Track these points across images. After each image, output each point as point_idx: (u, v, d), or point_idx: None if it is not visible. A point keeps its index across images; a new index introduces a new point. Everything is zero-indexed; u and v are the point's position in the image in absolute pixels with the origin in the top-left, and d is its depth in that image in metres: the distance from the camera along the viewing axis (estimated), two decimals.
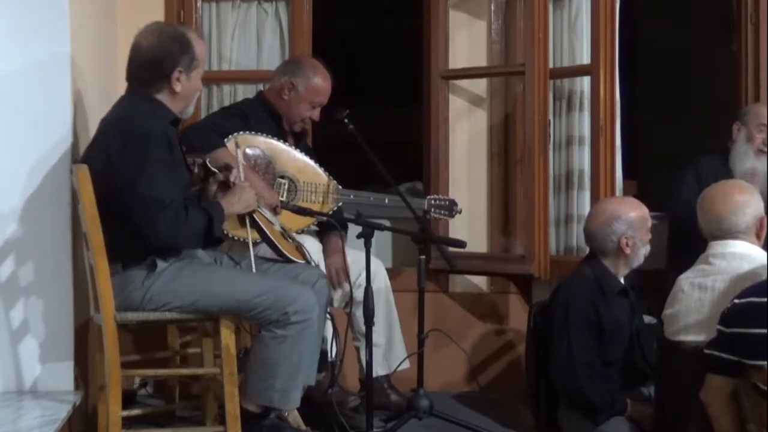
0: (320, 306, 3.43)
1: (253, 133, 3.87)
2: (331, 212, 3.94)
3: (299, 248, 3.67)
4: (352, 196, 4.04)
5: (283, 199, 3.89)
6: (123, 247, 3.27)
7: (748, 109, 4.35)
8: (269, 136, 3.92)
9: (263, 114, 4.04)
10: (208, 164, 3.44)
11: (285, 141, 4.00)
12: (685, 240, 3.95)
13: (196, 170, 3.46)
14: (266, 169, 3.86)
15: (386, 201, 4.08)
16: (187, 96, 3.41)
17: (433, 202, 4.17)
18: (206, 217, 3.30)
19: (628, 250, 3.69)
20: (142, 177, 3.19)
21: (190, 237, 3.29)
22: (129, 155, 3.21)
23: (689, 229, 3.71)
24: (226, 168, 3.48)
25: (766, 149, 4.23)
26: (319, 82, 4.05)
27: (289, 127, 4.09)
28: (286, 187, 3.94)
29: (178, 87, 3.34)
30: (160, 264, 3.29)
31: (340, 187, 4.01)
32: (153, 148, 3.21)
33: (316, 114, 4.07)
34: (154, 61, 3.31)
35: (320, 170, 4.01)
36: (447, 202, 4.18)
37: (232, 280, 3.38)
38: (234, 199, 3.44)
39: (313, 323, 3.37)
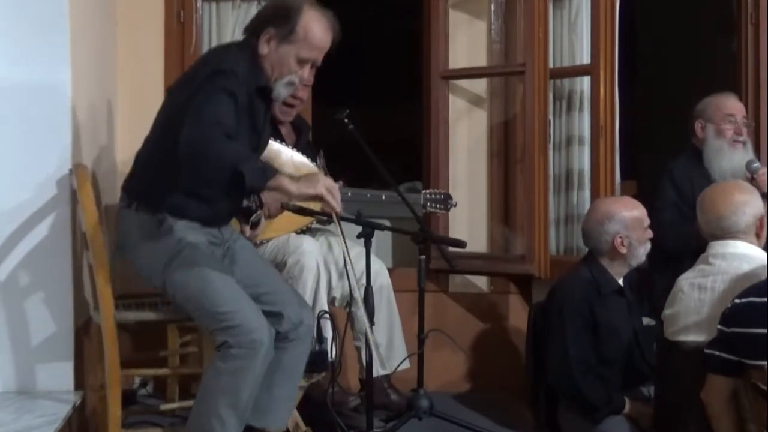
0: (306, 326, 3.30)
1: None
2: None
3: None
4: (349, 194, 4.03)
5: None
6: (152, 187, 3.11)
7: (705, 104, 4.27)
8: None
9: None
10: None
11: (281, 139, 3.97)
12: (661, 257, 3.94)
13: None
14: None
15: (383, 197, 4.08)
16: (273, 64, 3.16)
17: (428, 196, 4.19)
18: (247, 158, 2.83)
19: (623, 250, 3.69)
20: (199, 96, 2.92)
21: (220, 162, 2.80)
22: (198, 80, 3.00)
23: (667, 245, 3.81)
24: None
25: (741, 139, 4.17)
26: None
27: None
28: None
29: (264, 49, 3.15)
30: (166, 225, 3.10)
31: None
32: (222, 80, 2.96)
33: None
34: (257, 16, 3.25)
35: (316, 169, 4.00)
36: (442, 196, 4.20)
37: (210, 281, 3.09)
38: (301, 184, 2.98)
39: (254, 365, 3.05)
